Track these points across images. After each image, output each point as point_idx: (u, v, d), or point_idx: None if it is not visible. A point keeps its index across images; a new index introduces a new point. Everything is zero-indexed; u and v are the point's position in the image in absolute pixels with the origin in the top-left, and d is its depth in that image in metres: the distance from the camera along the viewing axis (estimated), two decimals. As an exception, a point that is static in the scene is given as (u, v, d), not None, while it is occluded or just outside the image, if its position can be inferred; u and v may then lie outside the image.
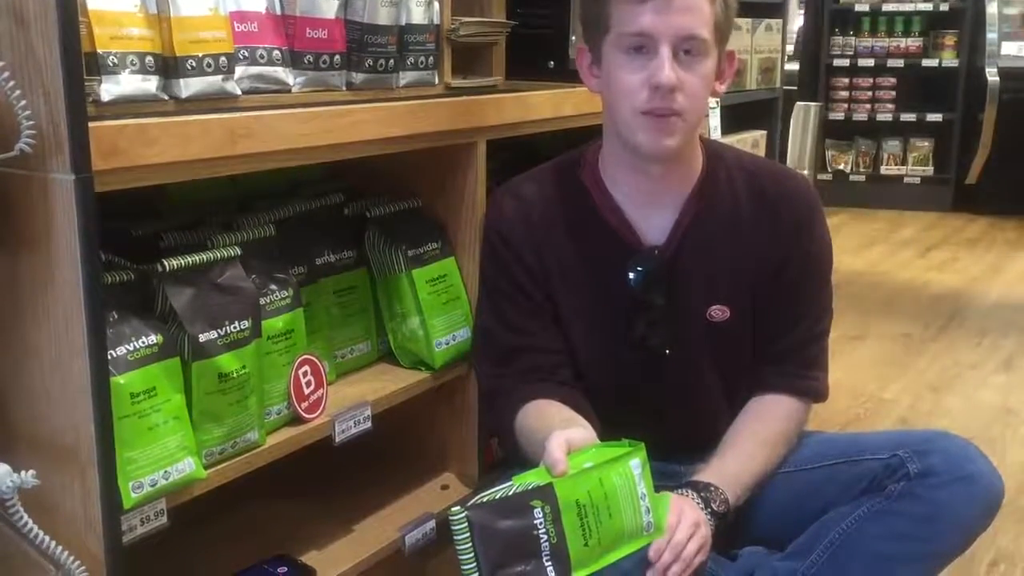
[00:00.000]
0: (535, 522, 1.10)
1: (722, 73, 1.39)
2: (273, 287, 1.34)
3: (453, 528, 1.08)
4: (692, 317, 1.45)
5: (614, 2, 1.31)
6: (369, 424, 1.44)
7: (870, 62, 5.92)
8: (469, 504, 1.10)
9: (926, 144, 5.91)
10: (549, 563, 1.11)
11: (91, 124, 1.00)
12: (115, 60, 1.13)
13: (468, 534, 1.08)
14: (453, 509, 1.09)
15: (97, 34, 1.11)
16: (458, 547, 1.08)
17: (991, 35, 5.49)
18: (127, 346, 1.11)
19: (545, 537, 1.11)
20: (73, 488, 1.09)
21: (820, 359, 1.51)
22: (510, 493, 1.11)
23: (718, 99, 2.84)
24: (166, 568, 1.37)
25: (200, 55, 1.22)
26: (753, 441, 1.43)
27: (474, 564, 1.08)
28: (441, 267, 1.60)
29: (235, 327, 1.22)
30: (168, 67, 1.20)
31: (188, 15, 1.20)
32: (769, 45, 3.60)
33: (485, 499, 1.10)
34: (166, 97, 1.20)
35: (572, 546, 1.12)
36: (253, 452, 1.28)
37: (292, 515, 1.59)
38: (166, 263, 1.17)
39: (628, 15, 1.30)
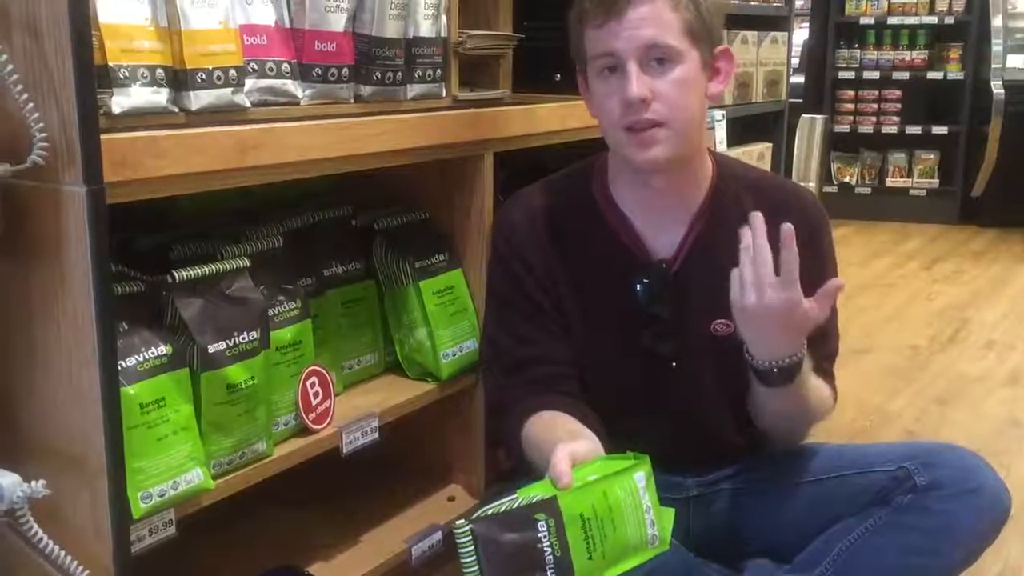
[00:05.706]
0: (539, 535, 1.10)
1: (716, 73, 1.40)
2: (281, 298, 1.34)
3: (457, 541, 1.08)
4: (696, 331, 1.45)
5: (584, 32, 1.36)
6: (376, 435, 1.45)
7: (875, 75, 5.92)
8: (473, 517, 1.10)
9: (931, 156, 5.90)
10: None
11: (103, 136, 1.01)
12: (126, 73, 1.14)
13: (472, 547, 1.08)
14: (457, 522, 1.09)
15: (109, 47, 1.12)
16: (462, 560, 1.08)
17: (996, 48, 5.50)
18: (137, 356, 1.12)
19: (549, 550, 1.10)
20: (83, 498, 1.09)
21: (831, 373, 1.50)
22: (514, 506, 1.11)
23: (724, 112, 2.85)
24: (174, 578, 1.37)
25: (210, 68, 1.22)
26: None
27: None
28: (448, 279, 1.61)
29: (244, 338, 1.23)
30: (178, 80, 1.21)
31: (198, 28, 1.21)
32: (775, 58, 3.62)
33: (489, 512, 1.10)
34: (176, 110, 1.21)
35: (576, 559, 1.11)
36: (261, 463, 1.29)
37: (299, 526, 1.59)
38: (176, 274, 1.18)
39: (593, 40, 1.34)
